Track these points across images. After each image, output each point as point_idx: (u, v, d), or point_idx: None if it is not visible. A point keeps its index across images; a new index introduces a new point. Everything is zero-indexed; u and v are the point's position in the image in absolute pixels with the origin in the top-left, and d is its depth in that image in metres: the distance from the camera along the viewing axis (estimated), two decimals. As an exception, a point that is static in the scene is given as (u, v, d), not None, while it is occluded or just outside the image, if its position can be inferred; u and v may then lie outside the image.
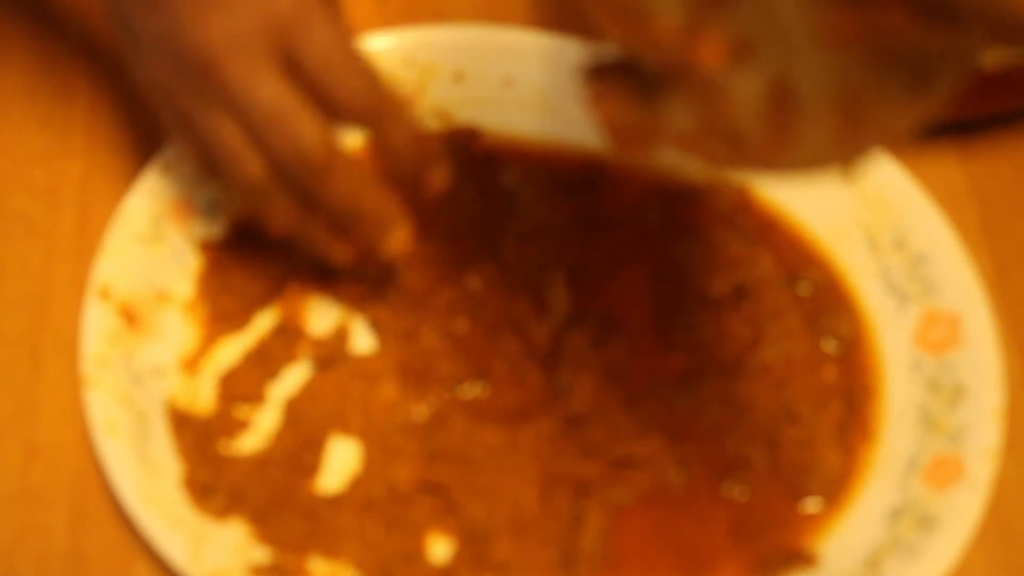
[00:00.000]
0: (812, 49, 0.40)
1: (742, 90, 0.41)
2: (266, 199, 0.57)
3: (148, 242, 0.61)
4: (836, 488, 0.59)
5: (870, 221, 0.64)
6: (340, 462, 0.58)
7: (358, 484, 0.58)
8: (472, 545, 0.57)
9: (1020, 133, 0.68)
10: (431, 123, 0.66)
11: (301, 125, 0.55)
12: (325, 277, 0.62)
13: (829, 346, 0.63)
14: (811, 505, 0.59)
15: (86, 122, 0.65)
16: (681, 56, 0.42)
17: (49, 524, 0.56)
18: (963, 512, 0.56)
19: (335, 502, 0.57)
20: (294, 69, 0.55)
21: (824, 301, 0.63)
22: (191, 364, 0.60)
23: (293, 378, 0.60)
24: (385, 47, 0.66)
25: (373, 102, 0.57)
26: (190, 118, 0.56)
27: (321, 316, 0.62)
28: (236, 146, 0.56)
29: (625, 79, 0.45)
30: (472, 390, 0.60)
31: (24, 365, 0.59)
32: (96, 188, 0.63)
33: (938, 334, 0.61)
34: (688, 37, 0.41)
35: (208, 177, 0.60)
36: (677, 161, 0.45)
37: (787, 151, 0.43)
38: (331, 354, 0.61)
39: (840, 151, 0.42)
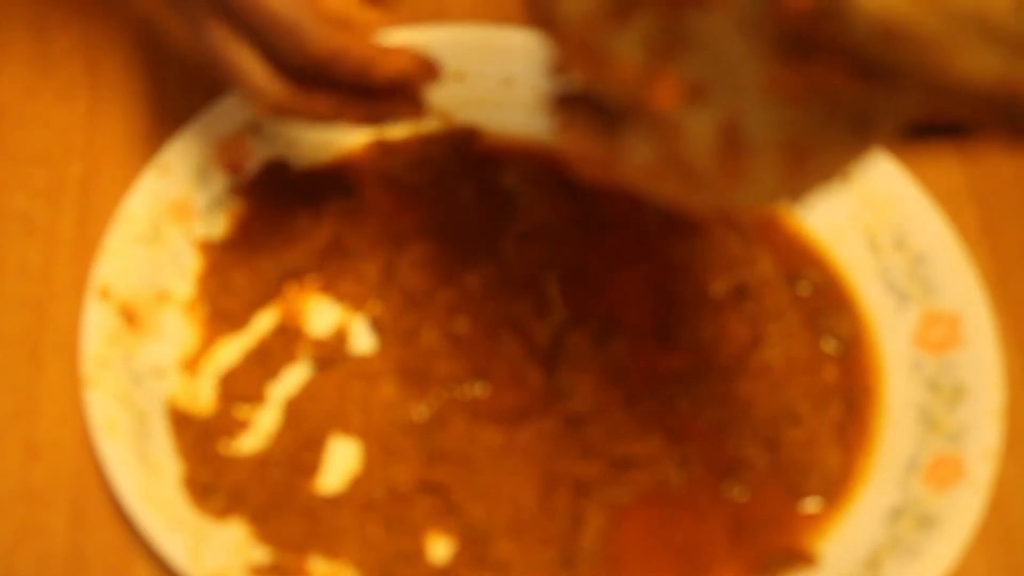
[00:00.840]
0: (759, 98, 0.42)
1: (695, 129, 0.44)
2: (298, 99, 0.56)
3: (148, 242, 0.61)
4: (836, 488, 0.59)
5: (870, 221, 0.64)
6: (340, 462, 0.58)
7: (358, 484, 0.58)
8: (472, 545, 0.56)
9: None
10: (431, 123, 0.66)
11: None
12: (325, 277, 0.62)
13: (829, 346, 0.63)
14: (811, 505, 0.59)
15: (86, 122, 0.65)
16: (638, 95, 0.44)
17: (49, 524, 0.56)
18: (963, 512, 0.56)
19: (335, 502, 0.57)
20: None
21: (824, 301, 0.63)
22: (191, 364, 0.60)
23: (293, 378, 0.60)
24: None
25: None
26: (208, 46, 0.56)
27: (321, 316, 0.62)
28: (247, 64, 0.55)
29: (590, 111, 0.48)
30: (472, 390, 0.60)
31: (24, 365, 0.59)
32: (96, 188, 0.63)
33: (938, 334, 0.61)
34: (645, 78, 0.44)
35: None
36: (640, 193, 0.48)
37: (738, 187, 0.45)
38: (331, 354, 0.61)
39: (788, 188, 0.45)
